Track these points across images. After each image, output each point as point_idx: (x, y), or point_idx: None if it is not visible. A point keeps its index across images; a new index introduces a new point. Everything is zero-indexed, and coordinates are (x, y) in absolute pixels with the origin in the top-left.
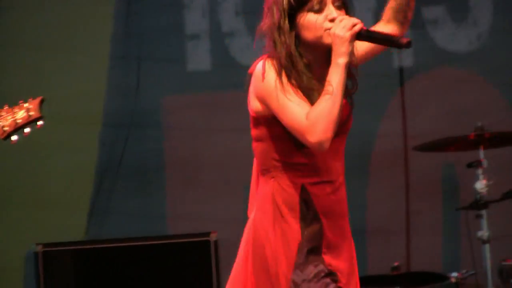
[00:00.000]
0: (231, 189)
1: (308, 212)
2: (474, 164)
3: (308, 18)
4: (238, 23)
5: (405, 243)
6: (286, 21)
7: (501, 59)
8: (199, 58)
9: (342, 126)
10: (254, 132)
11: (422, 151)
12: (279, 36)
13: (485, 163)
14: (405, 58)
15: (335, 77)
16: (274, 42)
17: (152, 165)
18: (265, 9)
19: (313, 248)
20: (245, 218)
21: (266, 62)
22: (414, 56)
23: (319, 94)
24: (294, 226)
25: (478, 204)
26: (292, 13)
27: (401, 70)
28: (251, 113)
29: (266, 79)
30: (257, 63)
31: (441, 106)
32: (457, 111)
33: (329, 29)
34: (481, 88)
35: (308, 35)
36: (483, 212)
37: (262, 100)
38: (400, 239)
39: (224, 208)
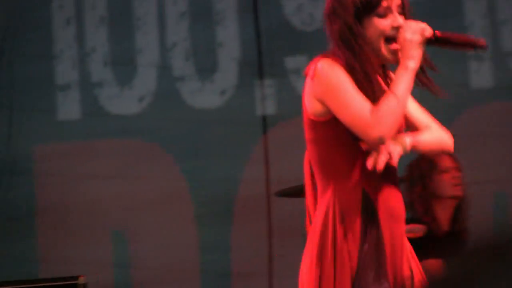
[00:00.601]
0: (99, 234)
1: (369, 215)
2: None
3: (375, 23)
4: (106, 73)
5: (268, 286)
6: (358, 24)
7: None
8: (69, 107)
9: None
10: (310, 135)
11: (284, 197)
12: (351, 37)
13: None
14: (268, 107)
15: (403, 79)
16: (345, 44)
17: (24, 211)
18: (326, 15)
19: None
20: (115, 262)
21: (326, 62)
22: (278, 104)
23: (379, 96)
24: (356, 228)
25: None
26: (359, 16)
27: (264, 118)
28: (308, 116)
29: (329, 77)
30: (313, 64)
31: (304, 153)
32: None
33: (391, 36)
34: None
35: (373, 40)
36: None
37: (322, 99)
38: (263, 282)
39: (92, 252)
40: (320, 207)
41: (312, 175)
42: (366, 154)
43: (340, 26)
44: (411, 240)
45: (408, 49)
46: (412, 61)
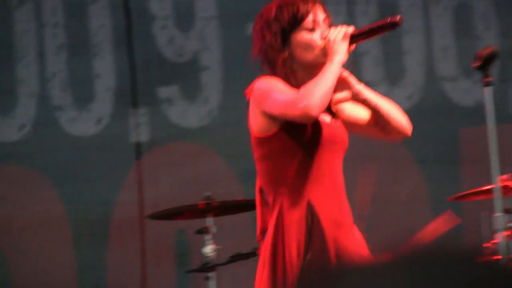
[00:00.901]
0: None
1: (313, 226)
2: (203, 231)
3: (304, 37)
4: None
5: None
6: (279, 41)
7: (229, 134)
8: None
9: (340, 143)
10: (258, 153)
11: (157, 219)
12: (274, 56)
13: (213, 229)
14: (142, 134)
15: (328, 69)
16: (269, 62)
17: None
18: (255, 33)
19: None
20: None
21: (260, 78)
22: (151, 132)
23: None
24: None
25: (207, 267)
26: (285, 33)
27: (138, 144)
28: (254, 134)
29: (261, 86)
30: (253, 84)
31: (176, 177)
32: (190, 182)
33: (323, 47)
34: (211, 160)
35: (304, 53)
36: (211, 274)
37: (260, 107)
38: None
39: None
40: (271, 221)
41: (261, 192)
42: (312, 167)
43: (263, 45)
44: None
45: (332, 46)
46: (337, 55)
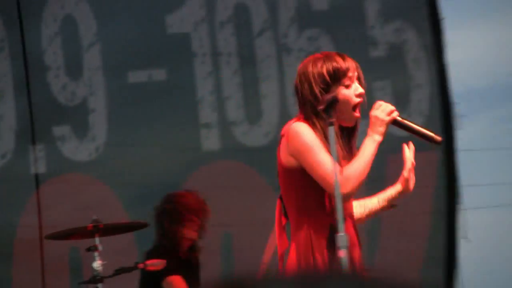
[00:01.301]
0: None
1: (334, 243)
2: (92, 248)
3: (342, 93)
4: None
5: None
6: (318, 93)
7: (114, 166)
8: None
9: None
10: (285, 182)
11: (54, 239)
12: (311, 104)
13: (100, 247)
14: (40, 167)
15: (370, 148)
16: (305, 107)
17: None
18: (298, 80)
19: None
20: None
21: (301, 124)
22: (47, 164)
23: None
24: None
25: (96, 279)
26: (328, 87)
27: (36, 175)
28: (285, 166)
29: (303, 138)
30: (289, 125)
31: (69, 203)
32: (81, 207)
33: (357, 104)
34: (99, 189)
35: (340, 106)
36: (100, 285)
37: (295, 156)
38: None
39: None
40: (297, 239)
41: (280, 214)
42: (332, 195)
43: (309, 94)
44: (153, 272)
45: (376, 125)
46: (378, 135)
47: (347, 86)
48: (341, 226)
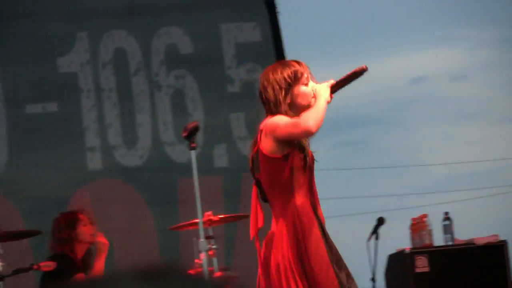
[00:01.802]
0: None
1: (320, 222)
2: None
3: (302, 90)
4: None
5: None
6: (283, 94)
7: (15, 184)
8: None
9: (313, 166)
10: (270, 168)
11: None
12: (280, 101)
13: (1, 250)
14: None
15: (320, 102)
16: (276, 105)
17: None
18: (262, 87)
19: (336, 261)
20: None
21: (271, 117)
22: None
23: None
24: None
25: None
26: (289, 87)
27: None
28: (268, 155)
29: (273, 120)
30: (265, 121)
31: None
32: None
33: (315, 96)
34: (2, 202)
35: (302, 101)
36: (1, 283)
37: (273, 135)
38: None
39: None
40: (284, 219)
41: (256, 198)
42: (306, 180)
43: (273, 96)
44: (48, 272)
45: (319, 92)
46: (323, 96)
47: (306, 85)
48: (201, 233)
